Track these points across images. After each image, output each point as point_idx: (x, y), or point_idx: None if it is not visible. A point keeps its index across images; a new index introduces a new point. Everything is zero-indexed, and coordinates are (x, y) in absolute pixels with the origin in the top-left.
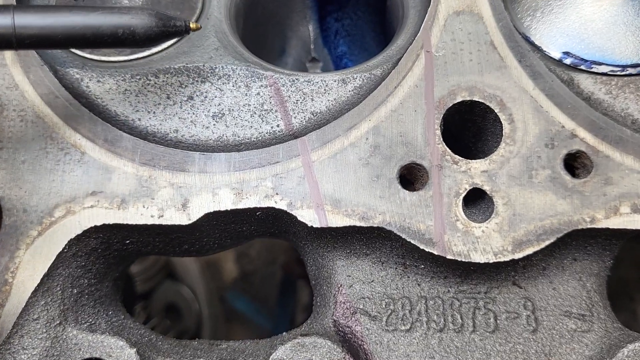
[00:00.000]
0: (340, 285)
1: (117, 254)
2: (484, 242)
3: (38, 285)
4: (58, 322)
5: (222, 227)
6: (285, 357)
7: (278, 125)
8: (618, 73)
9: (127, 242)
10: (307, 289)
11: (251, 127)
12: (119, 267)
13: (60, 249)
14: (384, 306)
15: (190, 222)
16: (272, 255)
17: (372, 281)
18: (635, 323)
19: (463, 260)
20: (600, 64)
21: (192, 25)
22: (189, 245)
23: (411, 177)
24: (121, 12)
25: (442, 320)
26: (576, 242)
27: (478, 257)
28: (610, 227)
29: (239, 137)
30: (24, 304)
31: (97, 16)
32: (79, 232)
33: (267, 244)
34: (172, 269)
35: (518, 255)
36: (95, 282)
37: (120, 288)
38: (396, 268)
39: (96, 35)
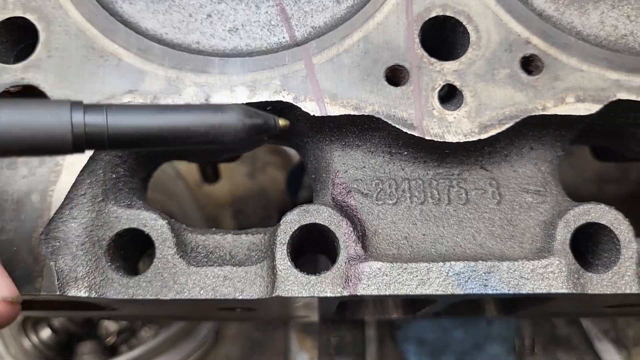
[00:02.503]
0: (337, 171)
1: (147, 152)
2: (456, 126)
3: (85, 166)
4: (101, 198)
5: None
6: (294, 220)
7: (284, 37)
8: None
9: None
10: None
11: (261, 39)
12: (147, 167)
13: None
14: (374, 186)
15: None
16: (266, 212)
17: (364, 167)
18: None
19: (439, 140)
20: None
21: (280, 123)
22: None
23: (394, 78)
24: (214, 111)
25: (423, 195)
26: (532, 133)
27: (451, 138)
28: (559, 113)
29: (251, 47)
30: (74, 181)
31: (190, 116)
32: None
33: (262, 202)
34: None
35: (484, 136)
36: (128, 175)
37: (147, 191)
38: (384, 156)
39: (189, 137)
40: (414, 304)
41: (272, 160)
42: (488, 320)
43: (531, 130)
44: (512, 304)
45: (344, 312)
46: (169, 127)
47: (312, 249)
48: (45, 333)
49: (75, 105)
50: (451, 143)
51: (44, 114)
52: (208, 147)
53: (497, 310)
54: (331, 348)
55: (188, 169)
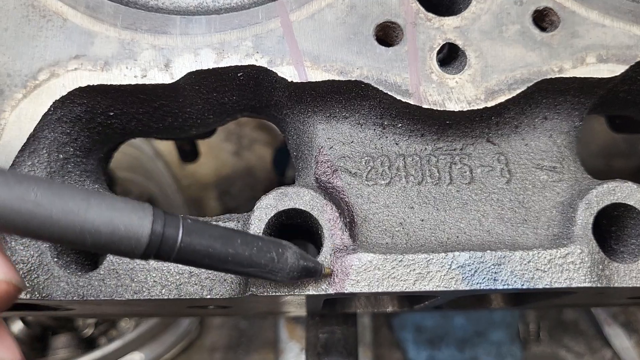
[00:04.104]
0: (321, 147)
1: (102, 129)
2: (458, 92)
3: (24, 145)
4: None
5: (204, 96)
6: (269, 205)
7: None
8: None
9: (111, 114)
10: None
11: None
12: (104, 146)
13: (45, 110)
14: (363, 164)
15: (173, 81)
16: (253, 192)
17: (352, 142)
18: None
19: (438, 109)
20: None
21: (326, 271)
22: (173, 118)
23: (386, 38)
24: (276, 247)
25: (420, 174)
26: (546, 100)
27: (453, 106)
28: (578, 76)
29: (219, 2)
30: (11, 163)
31: (255, 248)
32: (64, 93)
33: (248, 182)
34: (156, 205)
35: (491, 104)
36: (81, 155)
37: (105, 173)
38: (375, 129)
39: (249, 265)
40: (411, 298)
41: (258, 137)
42: None
43: (545, 96)
44: (523, 296)
45: (333, 306)
46: (233, 254)
47: (296, 237)
48: (17, 327)
49: (157, 214)
50: (453, 112)
51: (126, 216)
52: (262, 278)
53: (505, 302)
54: (319, 346)
55: (168, 148)
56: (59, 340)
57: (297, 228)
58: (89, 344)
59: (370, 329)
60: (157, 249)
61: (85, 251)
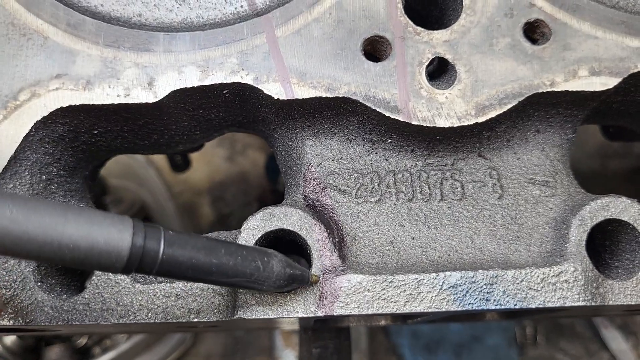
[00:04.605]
0: (310, 164)
1: (86, 147)
2: (448, 108)
3: (5, 168)
4: None
5: (190, 113)
6: (257, 226)
7: (242, 6)
8: None
9: (95, 132)
10: None
11: (215, 8)
12: (89, 164)
13: (27, 131)
14: (353, 181)
15: (156, 99)
16: (247, 197)
17: (341, 158)
18: None
19: (428, 125)
20: None
21: (313, 278)
22: (159, 135)
23: (375, 52)
24: (261, 255)
25: (411, 191)
26: (538, 113)
27: (442, 122)
28: (570, 89)
29: (203, 18)
30: None
31: (239, 257)
32: (45, 114)
33: (242, 187)
34: (149, 213)
35: (481, 119)
36: (65, 174)
37: (92, 190)
38: (364, 145)
39: (235, 276)
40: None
41: (252, 142)
42: None
43: (537, 110)
44: (517, 311)
45: (325, 321)
46: (218, 265)
47: (289, 252)
48: (10, 338)
49: (137, 226)
50: (443, 128)
51: (105, 230)
52: (248, 288)
53: (499, 315)
54: None
55: (160, 155)
56: (52, 351)
57: (289, 243)
58: (83, 355)
59: (365, 335)
60: (139, 263)
61: (71, 271)
